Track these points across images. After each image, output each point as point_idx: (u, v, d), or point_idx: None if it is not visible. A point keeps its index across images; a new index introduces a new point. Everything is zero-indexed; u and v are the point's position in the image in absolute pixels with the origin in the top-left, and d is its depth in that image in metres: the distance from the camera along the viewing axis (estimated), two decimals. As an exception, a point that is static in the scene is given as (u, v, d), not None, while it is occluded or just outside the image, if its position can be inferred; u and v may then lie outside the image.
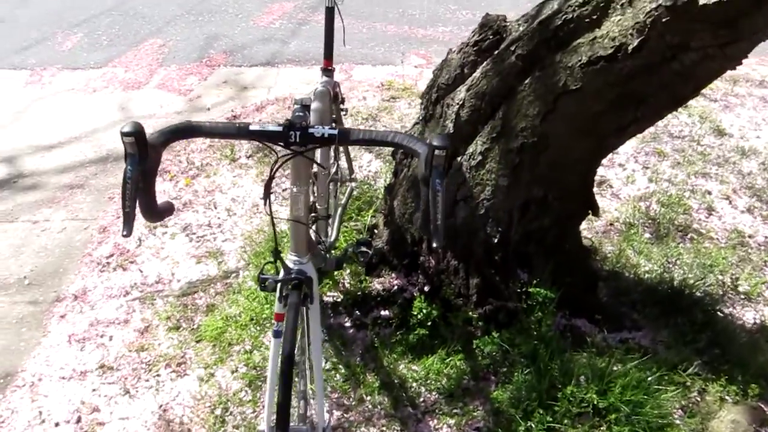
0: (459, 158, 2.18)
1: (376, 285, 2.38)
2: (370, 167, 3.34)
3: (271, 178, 1.29)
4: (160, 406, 2.08)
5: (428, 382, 2.12)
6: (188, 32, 5.44)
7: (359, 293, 2.37)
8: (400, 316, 2.28)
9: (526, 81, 2.00)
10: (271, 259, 1.40)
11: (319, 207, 2.13)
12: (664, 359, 2.11)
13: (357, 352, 2.23)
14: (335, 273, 2.46)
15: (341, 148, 2.48)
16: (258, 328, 2.31)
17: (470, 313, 2.20)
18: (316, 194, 2.12)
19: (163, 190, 3.30)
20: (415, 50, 5.12)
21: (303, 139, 1.24)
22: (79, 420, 2.07)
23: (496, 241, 2.15)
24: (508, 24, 2.15)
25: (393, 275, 2.38)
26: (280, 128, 1.23)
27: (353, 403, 2.07)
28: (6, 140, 3.88)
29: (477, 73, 2.13)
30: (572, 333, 2.23)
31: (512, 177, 2.09)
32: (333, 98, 2.15)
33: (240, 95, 4.47)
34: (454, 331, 2.19)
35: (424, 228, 1.14)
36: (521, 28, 2.06)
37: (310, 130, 1.23)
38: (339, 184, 2.47)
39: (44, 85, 4.63)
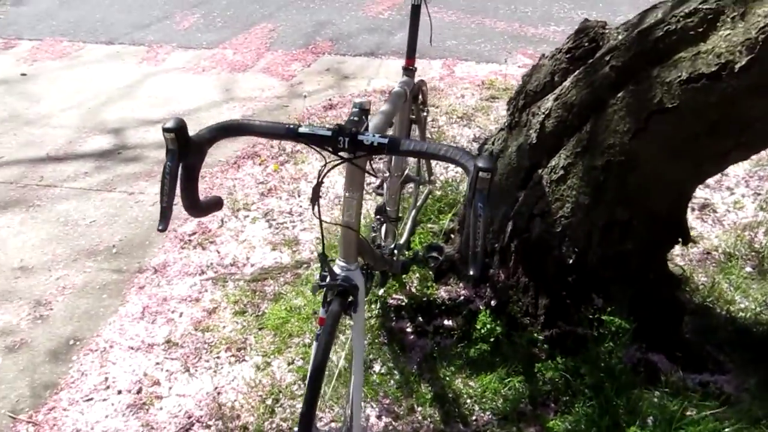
0: (540, 171, 2.06)
1: (443, 293, 2.31)
2: (457, 168, 3.25)
3: (320, 183, 1.26)
4: (215, 388, 2.12)
5: (483, 400, 2.03)
6: (298, 18, 5.54)
7: (424, 299, 2.31)
8: (463, 328, 2.20)
9: (619, 94, 1.86)
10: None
11: (388, 209, 2.08)
12: (746, 410, 1.91)
13: (415, 359, 2.18)
14: (403, 276, 2.41)
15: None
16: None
17: (536, 334, 2.09)
18: (385, 196, 2.08)
19: (252, 174, 3.37)
20: (522, 49, 4.96)
21: (352, 146, 1.19)
22: (139, 391, 2.15)
23: (571, 261, 2.02)
24: (606, 31, 2.01)
25: (461, 285, 2.30)
26: (329, 133, 1.19)
27: (403, 411, 2.02)
28: (116, 112, 4.10)
29: (567, 83, 2.00)
30: (646, 368, 2.07)
31: (594, 196, 1.95)
32: (413, 99, 2.10)
33: (340, 84, 4.50)
34: (517, 351, 2.09)
35: (465, 252, 1.07)
36: (620, 37, 1.91)
37: (360, 137, 1.18)
38: (416, 186, 2.41)
39: (158, 62, 4.86)
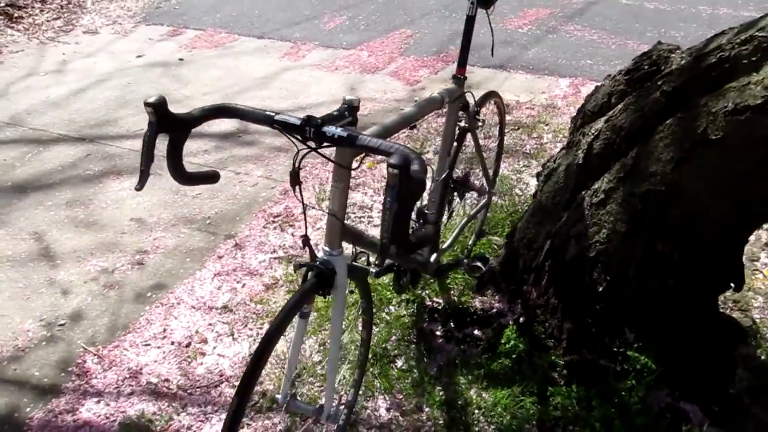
0: (584, 192, 2.01)
1: (477, 303, 2.31)
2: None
3: (296, 170, 1.36)
4: (250, 354, 2.29)
5: (492, 414, 2.02)
6: (437, 26, 5.66)
7: (460, 306, 2.33)
8: (491, 340, 2.20)
9: (667, 121, 1.78)
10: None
11: (427, 212, 2.13)
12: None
13: (437, 362, 2.21)
14: (447, 281, 2.44)
15: (475, 155, 2.43)
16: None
17: (557, 358, 2.04)
18: (425, 198, 2.13)
19: (347, 168, 3.53)
20: (658, 74, 4.69)
21: (317, 136, 1.28)
22: (188, 345, 2.38)
23: (601, 289, 1.95)
24: (672, 55, 1.92)
25: (497, 297, 2.29)
26: (298, 122, 1.29)
27: (410, 408, 2.06)
28: (247, 100, 4.46)
29: (620, 105, 1.94)
30: (673, 416, 1.94)
31: (632, 224, 1.87)
32: (463, 108, 2.13)
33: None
34: (536, 372, 2.05)
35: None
36: (682, 62, 1.82)
37: (323, 129, 1.27)
38: (467, 192, 2.42)
39: (298, 58, 5.21)
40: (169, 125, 1.28)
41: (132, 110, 4.36)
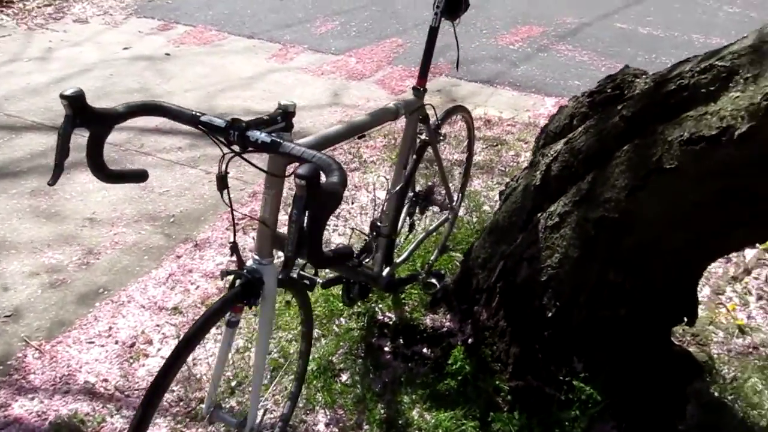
0: (540, 215, 1.96)
1: (428, 320, 2.26)
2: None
3: (222, 174, 1.30)
4: (193, 359, 2.23)
5: (432, 436, 1.96)
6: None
7: (410, 322, 2.27)
8: (439, 360, 2.14)
9: (624, 147, 1.73)
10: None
11: (380, 224, 2.08)
12: None
13: (383, 379, 2.15)
14: (401, 295, 2.39)
15: (437, 171, 2.39)
16: (316, 321, 2.35)
17: (501, 383, 1.98)
18: (378, 210, 2.07)
19: (319, 174, 3.47)
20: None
21: (241, 140, 1.23)
22: (133, 345, 2.32)
23: (550, 314, 1.89)
24: (637, 80, 1.87)
25: (448, 316, 2.24)
26: (223, 124, 1.24)
27: (349, 425, 2.00)
28: (229, 100, 4.42)
29: (581, 128, 1.89)
30: (616, 450, 1.88)
31: (585, 250, 1.82)
32: (422, 120, 2.08)
33: (445, 106, 4.47)
34: (480, 395, 1.99)
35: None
36: (644, 87, 1.78)
37: (247, 133, 1.22)
38: (422, 205, 2.37)
39: (285, 61, 5.16)
40: (88, 120, 1.22)
41: (110, 102, 4.26)
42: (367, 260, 2.08)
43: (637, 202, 1.69)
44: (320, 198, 1.01)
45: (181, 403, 2.09)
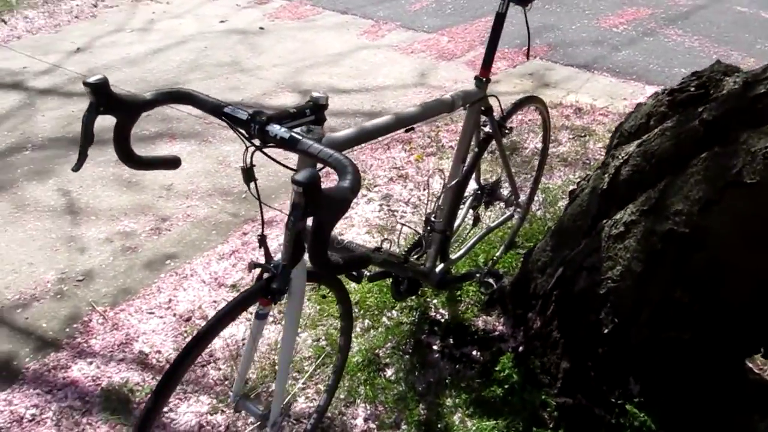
0: (605, 221, 1.81)
1: (480, 322, 2.15)
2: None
3: (247, 167, 1.26)
4: (243, 338, 2.24)
5: (472, 444, 1.88)
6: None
7: (462, 322, 2.18)
8: (487, 365, 2.04)
9: (702, 155, 1.55)
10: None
11: (434, 219, 1.99)
12: None
13: (428, 378, 2.07)
14: (457, 292, 2.30)
15: (500, 164, 2.25)
16: (360, 311, 2.31)
17: (548, 397, 1.86)
18: (433, 204, 1.99)
19: (394, 158, 3.42)
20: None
21: (261, 135, 1.18)
22: (189, 319, 2.36)
23: (606, 330, 1.75)
24: (726, 79, 1.67)
25: (502, 319, 2.12)
26: (245, 116, 1.19)
27: (388, 422, 1.95)
28: (315, 76, 4.42)
29: (657, 129, 1.71)
30: (670, 483, 1.73)
31: (649, 265, 1.66)
32: (485, 113, 1.96)
33: (536, 90, 4.31)
34: (525, 408, 1.88)
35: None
36: (733, 87, 1.58)
37: (267, 128, 1.17)
38: (487, 200, 2.26)
39: (376, 38, 5.10)
40: (113, 107, 1.21)
41: (201, 74, 4.40)
42: (416, 256, 2.00)
43: (711, 217, 1.51)
44: (325, 203, 0.95)
45: (226, 382, 2.11)
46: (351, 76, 4.44)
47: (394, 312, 2.30)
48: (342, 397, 2.04)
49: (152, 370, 2.16)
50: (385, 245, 1.78)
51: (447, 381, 2.05)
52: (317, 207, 0.95)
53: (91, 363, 2.21)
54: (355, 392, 2.05)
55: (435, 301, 2.33)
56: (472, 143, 1.97)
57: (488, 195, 2.29)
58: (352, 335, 2.19)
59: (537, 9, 5.60)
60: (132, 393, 2.08)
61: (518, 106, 2.16)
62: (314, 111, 1.29)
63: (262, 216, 1.39)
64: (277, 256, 1.43)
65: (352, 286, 2.41)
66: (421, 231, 2.03)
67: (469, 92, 1.84)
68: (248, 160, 1.26)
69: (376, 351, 2.16)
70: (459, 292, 2.31)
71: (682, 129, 1.61)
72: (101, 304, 2.46)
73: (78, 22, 5.29)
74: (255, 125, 1.17)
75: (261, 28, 5.21)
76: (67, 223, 2.91)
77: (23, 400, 2.06)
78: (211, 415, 1.99)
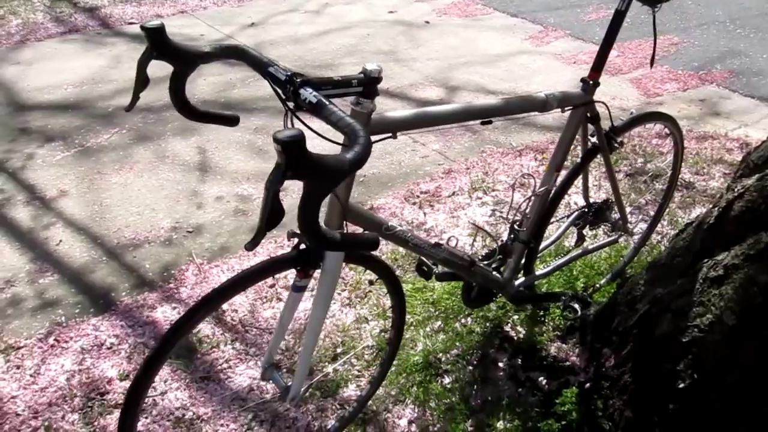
0: (705, 261, 1.57)
1: (553, 348, 1.97)
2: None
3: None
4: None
5: (511, 477, 1.72)
6: (712, 39, 4.90)
7: (535, 344, 2.01)
8: (552, 395, 1.86)
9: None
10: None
11: (518, 228, 1.85)
12: None
13: (484, 395, 1.94)
14: (539, 312, 2.12)
15: (602, 182, 2.03)
16: (435, 311, 2.22)
17: (606, 446, 1.65)
18: (518, 211, 1.85)
19: (522, 165, 3.25)
20: None
21: (295, 98, 1.14)
22: (272, 286, 2.41)
23: (682, 385, 1.51)
24: None
25: (576, 350, 1.93)
26: (283, 77, 1.16)
27: (431, 430, 1.85)
28: (465, 74, 4.34)
29: (785, 164, 1.45)
30: None
31: (744, 319, 1.41)
32: (592, 120, 1.78)
33: (703, 118, 3.91)
34: (579, 452, 1.69)
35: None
36: None
37: (300, 90, 1.13)
38: (593, 220, 2.05)
39: (540, 44, 4.91)
40: (168, 54, 1.22)
41: (356, 59, 4.50)
42: (487, 262, 1.87)
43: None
44: (314, 169, 0.89)
45: (286, 353, 2.12)
46: (503, 79, 4.30)
47: (468, 319, 2.18)
48: (393, 393, 1.97)
49: (224, 326, 2.23)
50: (452, 242, 1.67)
51: (504, 403, 1.90)
52: (303, 172, 0.89)
53: (175, 308, 2.33)
54: (407, 392, 1.97)
55: (515, 316, 2.17)
56: (576, 153, 1.80)
57: (594, 215, 2.09)
58: (412, 332, 2.12)
59: (725, 32, 5.07)
60: (200, 343, 2.16)
61: (640, 120, 1.95)
62: (364, 83, 1.23)
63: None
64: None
65: (433, 285, 2.32)
66: (504, 238, 1.89)
67: (571, 94, 1.68)
68: (288, 125, 1.22)
69: (439, 355, 2.06)
70: (543, 313, 2.13)
71: (812, 166, 1.34)
72: (200, 256, 2.58)
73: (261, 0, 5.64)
74: (290, 87, 1.14)
75: (426, 22, 5.21)
76: (195, 179, 3.10)
77: (109, 328, 2.22)
78: (262, 381, 2.01)
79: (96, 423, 1.91)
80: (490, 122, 1.51)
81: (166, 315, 2.28)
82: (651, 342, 1.61)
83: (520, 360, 1.99)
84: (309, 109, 1.13)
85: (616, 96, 4.13)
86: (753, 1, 5.71)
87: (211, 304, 1.33)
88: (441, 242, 1.63)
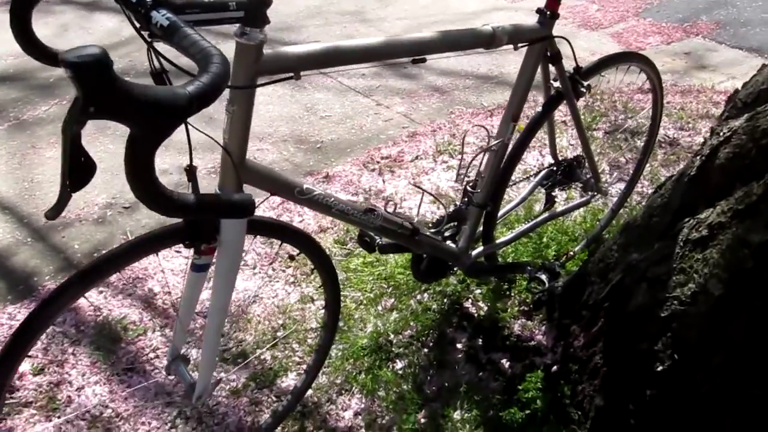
0: (686, 220, 1.32)
1: (516, 326, 1.73)
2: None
3: (156, 71, 0.97)
4: (250, 296, 2.00)
5: (469, 476, 1.50)
6: (699, -10, 4.62)
7: (497, 322, 1.77)
8: (516, 379, 1.63)
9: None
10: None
11: (471, 189, 1.60)
12: None
13: (441, 380, 1.71)
14: (503, 284, 1.89)
15: (568, 130, 1.79)
16: (388, 288, 1.98)
17: (574, 437, 1.42)
18: (473, 171, 1.60)
19: (493, 125, 2.99)
20: None
21: (145, 23, 0.88)
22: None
23: (661, 368, 1.28)
24: None
25: (544, 327, 1.69)
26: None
27: (378, 423, 1.62)
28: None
29: (778, 97, 1.20)
30: None
31: (733, 288, 1.17)
32: (553, 60, 1.52)
33: (688, 72, 3.66)
34: (545, 444, 1.46)
35: None
36: None
37: (152, 13, 0.87)
38: (562, 180, 1.81)
39: (516, 0, 4.61)
40: None
41: (320, 21, 4.21)
42: (446, 232, 1.62)
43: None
44: (134, 106, 0.64)
45: (221, 339, 1.88)
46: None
47: (425, 295, 1.94)
48: (338, 382, 1.73)
49: (153, 311, 1.99)
50: (390, 207, 1.42)
51: (462, 390, 1.66)
52: (113, 107, 0.64)
53: (101, 293, 2.08)
54: (354, 380, 1.73)
55: (477, 291, 1.93)
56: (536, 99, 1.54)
57: (563, 174, 1.84)
58: (362, 311, 1.88)
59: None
60: (125, 331, 1.92)
61: (608, 62, 1.69)
62: (246, 6, 0.97)
63: (189, 141, 1.09)
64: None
65: (387, 258, 2.08)
66: (456, 202, 1.65)
67: (525, 27, 1.42)
68: (154, 62, 0.96)
69: (391, 337, 1.82)
70: (507, 286, 1.90)
71: (813, 98, 1.09)
72: (136, 234, 2.33)
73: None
74: (141, 9, 0.88)
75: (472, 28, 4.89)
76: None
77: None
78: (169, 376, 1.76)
79: (2, 425, 1.67)
80: (423, 60, 1.25)
81: (93, 299, 2.03)
82: (624, 317, 1.37)
83: (480, 340, 1.75)
84: (162, 36, 0.87)
85: (596, 52, 3.86)
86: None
87: (72, 291, 1.08)
88: (375, 208, 1.37)
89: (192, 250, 1.20)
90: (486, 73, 3.60)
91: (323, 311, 1.51)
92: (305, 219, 2.38)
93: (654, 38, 4.02)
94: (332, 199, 1.29)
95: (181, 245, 1.15)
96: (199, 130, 1.10)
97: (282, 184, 1.21)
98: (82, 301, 2.03)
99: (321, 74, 3.50)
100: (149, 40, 0.91)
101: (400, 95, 3.33)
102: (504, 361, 1.69)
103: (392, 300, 1.94)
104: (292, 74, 1.09)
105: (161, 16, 0.86)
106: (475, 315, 1.84)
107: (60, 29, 4.09)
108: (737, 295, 1.16)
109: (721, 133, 1.27)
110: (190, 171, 1.09)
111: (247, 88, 1.04)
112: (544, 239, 2.04)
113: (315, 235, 2.29)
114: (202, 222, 1.11)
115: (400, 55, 1.21)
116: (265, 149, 2.86)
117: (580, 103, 2.75)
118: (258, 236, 1.84)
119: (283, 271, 2.12)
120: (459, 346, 1.78)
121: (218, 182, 1.14)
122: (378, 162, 2.74)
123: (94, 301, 2.03)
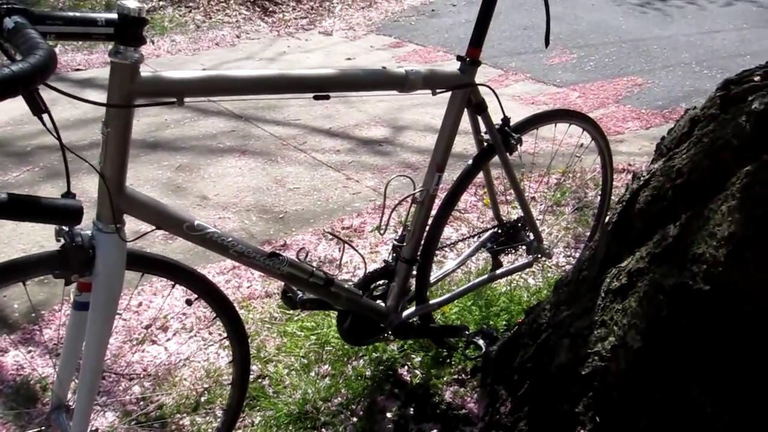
0: (609, 270, 1.23)
1: (448, 393, 1.60)
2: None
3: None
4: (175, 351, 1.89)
5: None
6: (677, 80, 4.70)
7: (429, 389, 1.64)
8: (445, 452, 1.49)
9: (745, 169, 0.97)
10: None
11: (398, 243, 1.53)
12: None
13: (366, 451, 1.56)
14: (442, 351, 1.77)
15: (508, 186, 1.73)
16: (324, 353, 1.86)
17: None
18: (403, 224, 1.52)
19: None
20: None
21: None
22: (148, 326, 2.07)
23: (583, 432, 1.15)
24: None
25: (476, 395, 1.56)
26: None
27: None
28: (411, 114, 4.10)
29: (693, 137, 1.14)
30: None
31: (651, 339, 1.07)
32: (476, 109, 1.49)
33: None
34: None
35: None
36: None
37: (5, 19, 0.83)
38: (505, 242, 1.73)
39: (498, 86, 4.68)
40: None
41: (303, 101, 4.26)
42: (377, 290, 1.53)
43: (744, 266, 0.91)
44: None
45: (140, 403, 1.76)
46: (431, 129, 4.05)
47: (361, 361, 1.82)
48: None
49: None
50: (302, 255, 1.34)
51: (387, 462, 1.52)
52: None
53: (30, 352, 1.97)
54: (273, 451, 1.59)
55: (417, 358, 1.81)
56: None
57: (507, 236, 1.77)
58: (293, 378, 1.75)
59: (691, 73, 4.87)
60: (44, 391, 1.80)
61: (543, 118, 1.66)
62: (117, 24, 0.93)
63: (66, 166, 1.03)
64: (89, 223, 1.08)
65: (325, 321, 1.97)
66: (383, 257, 1.57)
67: (443, 73, 1.42)
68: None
69: (319, 404, 1.69)
70: (448, 352, 1.77)
71: (722, 132, 1.03)
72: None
73: (217, 48, 5.47)
74: None
75: (383, 67, 5.01)
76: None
77: None
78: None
79: None
80: (327, 97, 1.21)
81: (18, 358, 1.93)
82: (548, 377, 1.26)
83: (412, 409, 1.62)
84: (7, 38, 0.83)
85: (574, 134, 3.86)
86: (721, 44, 5.56)
87: None
88: (280, 253, 1.30)
89: (73, 286, 1.12)
90: (461, 152, 3.58)
91: (233, 366, 1.40)
92: (253, 285, 2.29)
93: (633, 123, 4.04)
94: (230, 239, 1.22)
95: (50, 275, 1.07)
96: (76, 154, 1.04)
97: (168, 216, 1.14)
98: (8, 360, 1.94)
99: (298, 150, 3.50)
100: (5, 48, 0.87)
101: (371, 170, 3.31)
102: (433, 430, 1.55)
103: (327, 366, 1.82)
104: (174, 99, 1.05)
105: (10, 21, 0.82)
106: (409, 382, 1.71)
107: (50, 103, 4.16)
108: (656, 348, 1.06)
109: (642, 177, 1.21)
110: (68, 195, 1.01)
111: (120, 107, 0.99)
112: (493, 308, 1.93)
113: (259, 300, 2.20)
114: (71, 250, 1.04)
115: (299, 89, 1.17)
116: (226, 218, 2.81)
117: (552, 180, 2.71)
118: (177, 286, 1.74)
119: (220, 334, 2.01)
120: (389, 415, 1.64)
121: (96, 212, 1.07)
122: (338, 231, 2.68)
123: (20, 360, 1.93)
